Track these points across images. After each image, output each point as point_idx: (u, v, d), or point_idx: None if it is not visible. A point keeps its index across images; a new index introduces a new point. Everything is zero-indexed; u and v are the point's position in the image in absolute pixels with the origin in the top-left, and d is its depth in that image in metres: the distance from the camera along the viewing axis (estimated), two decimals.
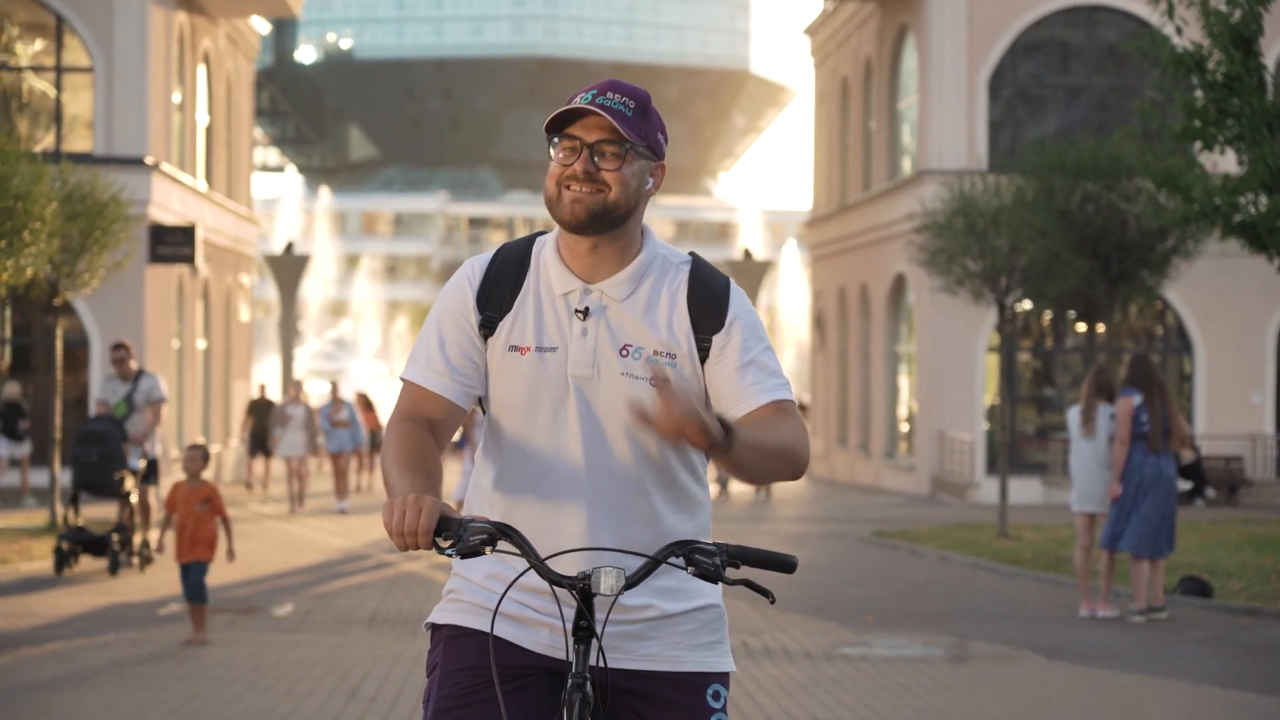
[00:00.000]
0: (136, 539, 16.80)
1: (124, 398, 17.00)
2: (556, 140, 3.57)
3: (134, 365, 17.20)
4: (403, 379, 3.66)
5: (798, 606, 14.56)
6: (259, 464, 30.70)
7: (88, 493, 16.84)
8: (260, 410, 29.59)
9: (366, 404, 32.27)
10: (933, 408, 31.41)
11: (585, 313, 3.60)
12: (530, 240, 3.74)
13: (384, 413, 46.24)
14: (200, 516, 11.89)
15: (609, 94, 3.55)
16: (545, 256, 3.67)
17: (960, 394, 31.08)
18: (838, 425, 39.20)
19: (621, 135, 3.53)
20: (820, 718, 9.42)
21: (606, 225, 3.56)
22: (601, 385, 3.58)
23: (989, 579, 17.33)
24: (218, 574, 16.68)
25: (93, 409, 17.16)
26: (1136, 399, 13.61)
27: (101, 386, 17.43)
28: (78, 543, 16.41)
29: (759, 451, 3.44)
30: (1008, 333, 29.64)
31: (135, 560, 16.78)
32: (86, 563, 17.01)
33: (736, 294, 3.67)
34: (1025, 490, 28.89)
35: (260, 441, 29.54)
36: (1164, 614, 13.83)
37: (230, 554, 12.23)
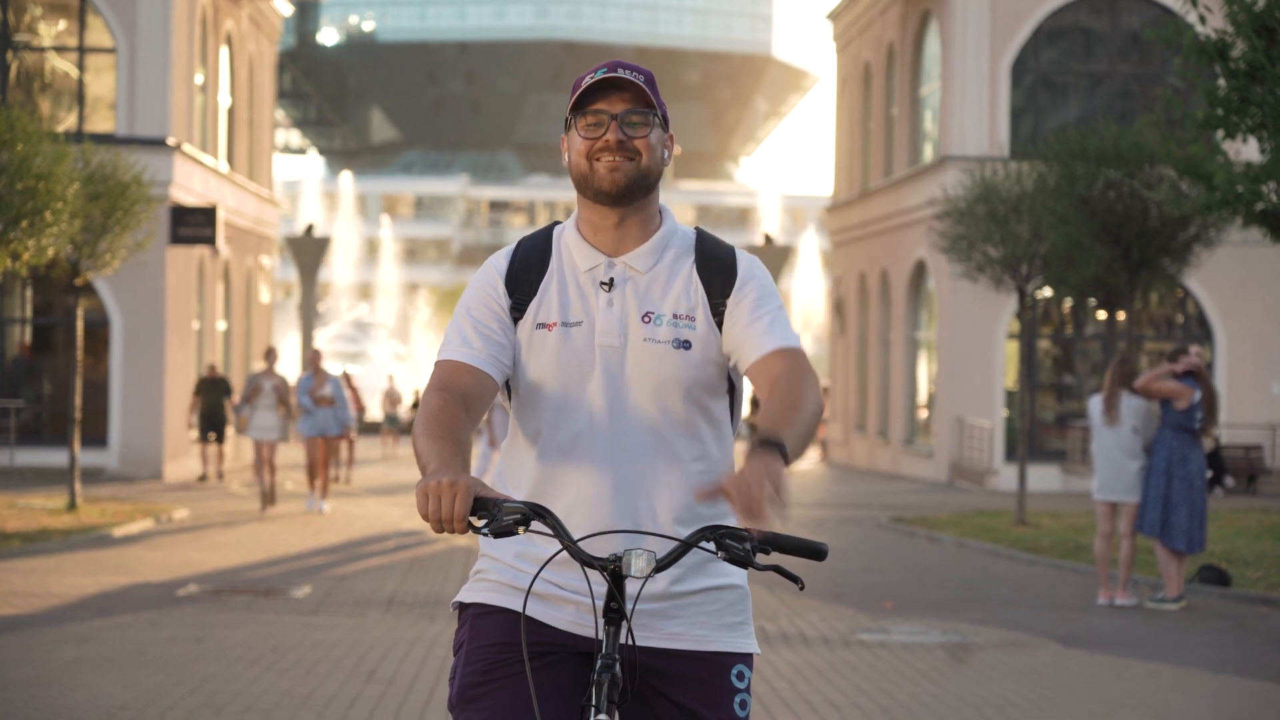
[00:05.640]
0: None
1: None
2: (575, 119, 3.65)
3: None
4: (437, 362, 3.69)
5: (816, 592, 14.55)
6: (210, 449, 27.92)
7: None
8: (210, 390, 27.30)
9: (348, 383, 28.94)
10: (952, 394, 31.38)
11: (610, 284, 3.68)
12: (549, 229, 3.82)
13: (401, 394, 46.37)
14: None
15: (620, 70, 3.63)
16: (567, 239, 3.76)
17: (980, 381, 31.04)
18: (857, 411, 39.16)
19: (648, 102, 3.63)
20: (837, 703, 9.42)
21: (640, 192, 3.65)
22: (627, 353, 3.65)
23: (1007, 566, 17.32)
24: (237, 554, 16.77)
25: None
26: (1196, 394, 13.62)
27: None
28: None
29: (804, 435, 3.44)
30: (1028, 320, 29.56)
31: None
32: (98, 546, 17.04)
33: (743, 258, 3.74)
34: (1044, 477, 28.85)
35: (214, 424, 27.28)
36: (1183, 603, 13.82)
37: None
